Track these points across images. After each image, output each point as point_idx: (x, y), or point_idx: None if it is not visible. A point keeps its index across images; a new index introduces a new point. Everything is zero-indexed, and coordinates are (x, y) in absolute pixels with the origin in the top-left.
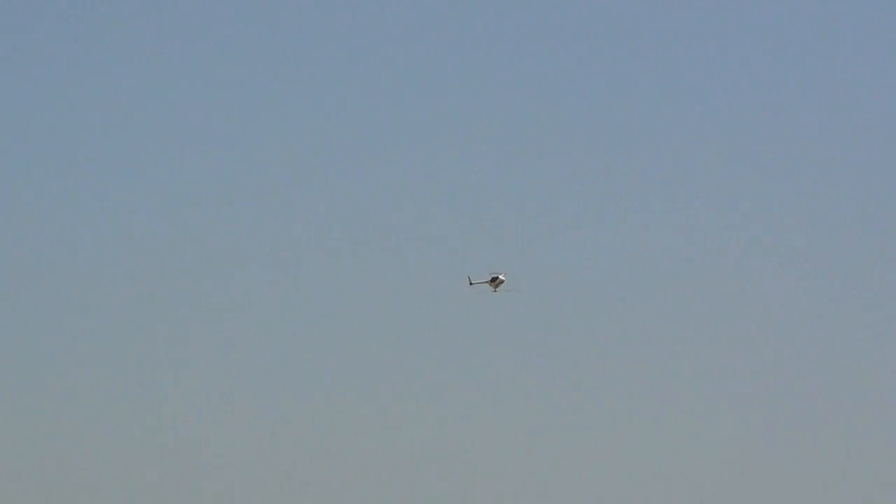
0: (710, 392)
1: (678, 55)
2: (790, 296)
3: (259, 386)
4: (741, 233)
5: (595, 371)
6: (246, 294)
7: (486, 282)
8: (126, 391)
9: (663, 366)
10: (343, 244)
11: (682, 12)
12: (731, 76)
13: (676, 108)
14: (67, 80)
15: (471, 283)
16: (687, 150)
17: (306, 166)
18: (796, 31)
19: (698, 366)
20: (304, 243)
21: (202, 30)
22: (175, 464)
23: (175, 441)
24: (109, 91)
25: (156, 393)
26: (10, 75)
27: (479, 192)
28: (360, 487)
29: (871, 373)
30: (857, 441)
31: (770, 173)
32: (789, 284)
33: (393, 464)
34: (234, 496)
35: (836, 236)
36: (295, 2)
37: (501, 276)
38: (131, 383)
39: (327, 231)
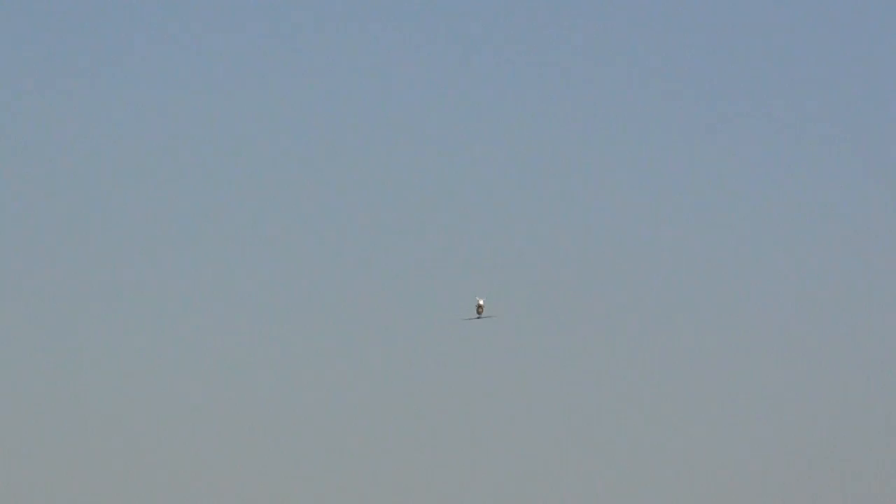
0: (713, 393)
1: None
2: (793, 294)
3: (251, 395)
4: (743, 236)
5: (597, 372)
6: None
7: (477, 312)
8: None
9: (665, 368)
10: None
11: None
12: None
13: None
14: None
15: (479, 315)
16: (687, 147)
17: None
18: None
19: (701, 367)
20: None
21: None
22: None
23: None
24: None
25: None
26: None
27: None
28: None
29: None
30: (859, 441)
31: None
32: (792, 282)
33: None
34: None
35: (841, 232)
36: (295, 2)
37: (481, 302)
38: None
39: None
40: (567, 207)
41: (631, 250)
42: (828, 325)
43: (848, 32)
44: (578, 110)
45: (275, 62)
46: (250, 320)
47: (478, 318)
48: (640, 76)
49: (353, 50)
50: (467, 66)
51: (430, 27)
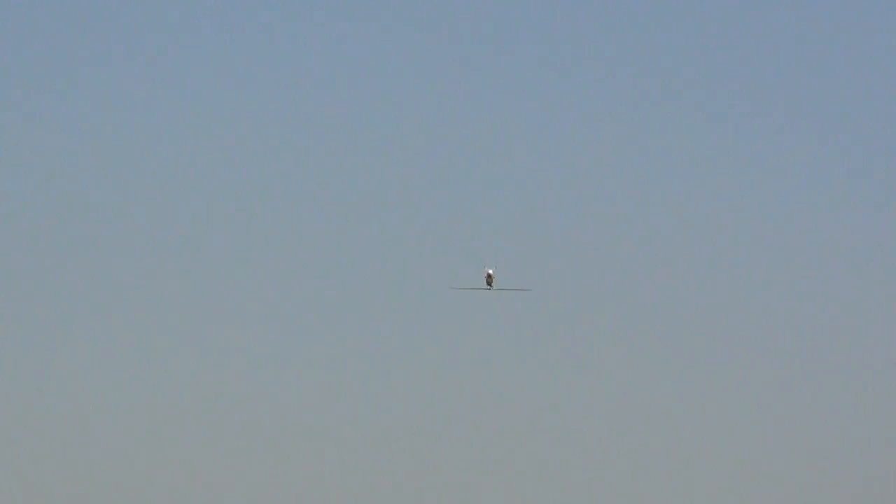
0: (716, 392)
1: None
2: (793, 294)
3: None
4: (746, 235)
5: (600, 371)
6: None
7: (486, 280)
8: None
9: (667, 368)
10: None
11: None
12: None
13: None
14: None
15: (489, 285)
16: (688, 148)
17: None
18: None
19: (704, 366)
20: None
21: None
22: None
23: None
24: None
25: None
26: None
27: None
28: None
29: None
30: (859, 442)
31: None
32: (792, 282)
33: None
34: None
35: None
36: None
37: (490, 272)
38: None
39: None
40: (568, 206)
41: (633, 251)
42: (829, 326)
43: (848, 32)
44: (579, 108)
45: (274, 61)
46: (260, 295)
47: (489, 289)
48: (642, 76)
49: (352, 49)
50: (465, 61)
51: (429, 26)
